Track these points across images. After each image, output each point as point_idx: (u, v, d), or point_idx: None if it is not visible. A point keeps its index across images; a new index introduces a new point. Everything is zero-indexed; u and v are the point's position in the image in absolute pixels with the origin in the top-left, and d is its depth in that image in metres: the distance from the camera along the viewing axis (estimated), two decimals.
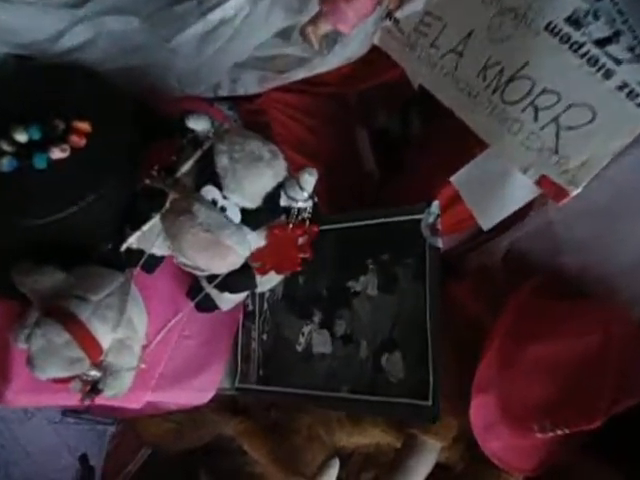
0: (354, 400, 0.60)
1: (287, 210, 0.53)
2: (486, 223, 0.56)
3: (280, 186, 0.51)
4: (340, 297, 0.64)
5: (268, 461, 0.78)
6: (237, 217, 0.51)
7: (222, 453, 0.92)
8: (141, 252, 0.63)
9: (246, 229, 0.52)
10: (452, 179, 0.55)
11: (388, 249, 0.61)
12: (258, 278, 0.61)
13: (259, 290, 0.65)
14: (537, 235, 0.69)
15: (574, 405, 0.57)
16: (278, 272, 0.59)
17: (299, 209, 0.52)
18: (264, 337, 0.70)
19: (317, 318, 0.66)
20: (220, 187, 0.49)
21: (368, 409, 0.59)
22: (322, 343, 0.64)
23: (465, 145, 0.55)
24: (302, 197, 0.51)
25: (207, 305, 0.67)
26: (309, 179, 0.50)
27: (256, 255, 0.55)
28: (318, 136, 0.75)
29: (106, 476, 1.07)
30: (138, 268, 0.64)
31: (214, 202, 0.50)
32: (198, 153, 0.51)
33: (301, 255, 0.57)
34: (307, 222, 0.53)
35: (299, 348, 0.66)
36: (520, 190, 0.50)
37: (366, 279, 0.63)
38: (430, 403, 0.54)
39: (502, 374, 0.64)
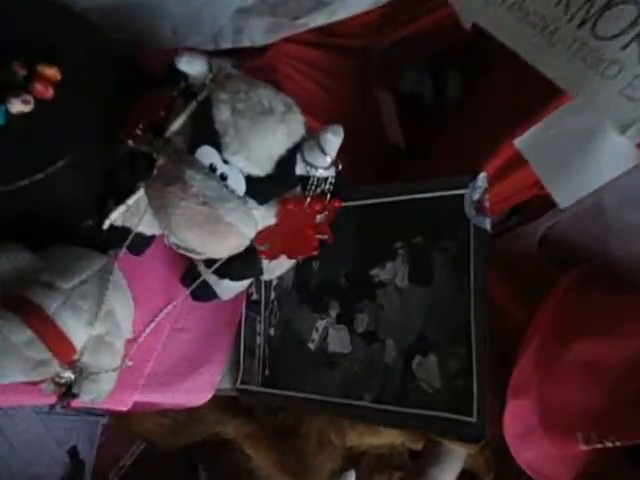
0: (378, 411, 0.50)
1: (304, 180, 0.42)
2: (564, 199, 0.45)
3: (296, 148, 0.40)
4: (362, 287, 0.54)
5: (275, 471, 0.69)
6: (241, 187, 0.40)
7: (222, 448, 0.84)
8: (127, 230, 0.53)
9: (252, 202, 0.41)
10: (516, 142, 0.44)
11: (422, 231, 0.51)
12: (265, 263, 0.51)
13: (266, 277, 0.55)
14: (583, 218, 0.60)
15: (625, 414, 0.50)
16: (290, 257, 0.49)
17: (319, 179, 0.41)
18: (271, 332, 0.60)
19: (334, 311, 0.56)
20: (219, 148, 0.39)
21: (396, 421, 0.50)
22: (340, 341, 0.54)
23: (528, 104, 0.44)
24: (323, 163, 0.40)
25: (204, 293, 0.57)
26: (333, 140, 0.39)
27: (264, 235, 0.44)
28: (335, 98, 0.63)
29: (98, 470, 1.00)
30: (123, 249, 0.54)
31: (212, 168, 0.40)
32: (192, 106, 0.40)
33: (319, 236, 0.46)
34: (328, 196, 0.43)
35: (312, 346, 0.56)
36: (613, 156, 0.39)
37: (394, 266, 0.52)
38: (474, 419, 0.45)
39: (541, 376, 0.57)
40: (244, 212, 0.40)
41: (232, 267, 0.50)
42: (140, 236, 0.54)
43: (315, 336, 0.56)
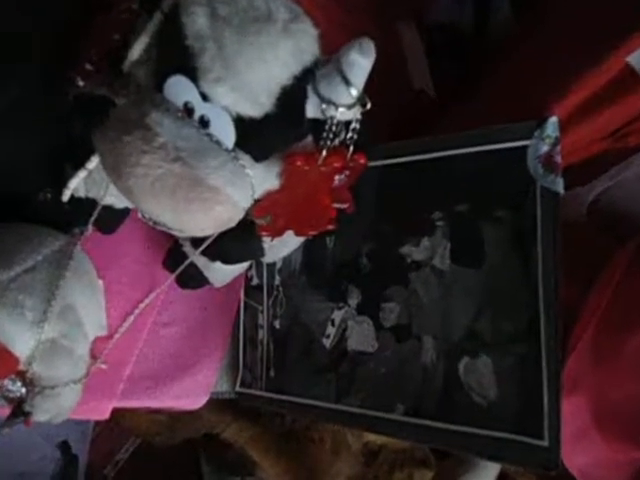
0: (414, 426, 0.39)
1: (317, 125, 0.30)
2: None
3: (306, 76, 0.27)
4: (390, 269, 0.43)
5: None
6: (229, 135, 0.28)
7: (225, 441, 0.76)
8: (92, 202, 0.42)
9: (246, 158, 0.30)
10: (630, 59, 0.32)
11: (468, 196, 0.39)
12: (267, 242, 0.40)
13: (268, 259, 0.44)
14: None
15: None
16: (299, 233, 0.37)
17: (338, 123, 0.29)
18: (276, 324, 0.49)
19: (354, 300, 0.44)
20: (195, 76, 0.26)
21: (437, 440, 0.39)
22: (362, 337, 0.43)
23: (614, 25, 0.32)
24: (346, 98, 0.27)
25: (193, 279, 0.46)
26: (361, 63, 0.27)
27: (264, 204, 0.33)
28: (349, 35, 0.51)
29: (92, 466, 0.93)
30: (89, 227, 0.43)
31: (188, 108, 0.28)
32: (155, 19, 0.28)
33: (336, 205, 0.35)
34: (350, 149, 0.31)
35: (327, 343, 0.45)
36: None
37: (431, 243, 0.41)
38: (546, 442, 0.34)
39: (597, 370, 0.49)
40: (234, 172, 0.28)
41: (224, 247, 0.39)
42: (110, 210, 0.43)
43: (331, 331, 0.45)
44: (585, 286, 0.51)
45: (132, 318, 0.48)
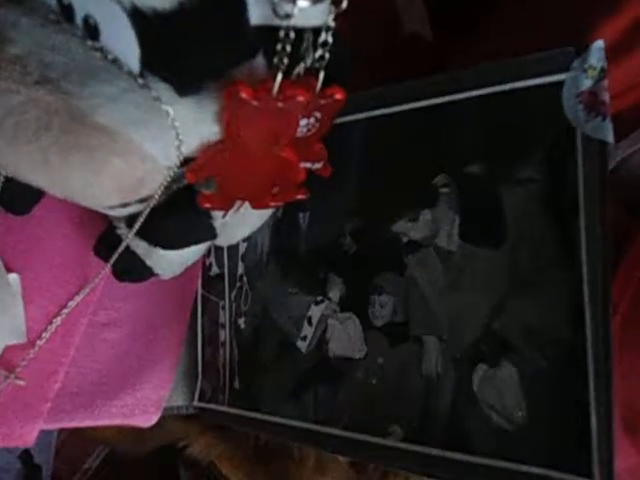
0: (415, 455, 0.30)
1: (268, 36, 0.20)
2: None
3: None
4: (381, 252, 0.33)
5: None
6: (130, 48, 0.18)
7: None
8: None
9: (162, 88, 0.20)
10: None
11: (483, 153, 0.30)
12: (217, 218, 0.30)
13: (222, 242, 0.34)
14: None
15: None
16: (256, 205, 0.27)
17: (299, 34, 0.19)
18: (241, 323, 0.40)
19: (336, 293, 0.35)
20: None
21: (446, 473, 0.30)
22: (347, 340, 0.34)
23: None
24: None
25: (133, 270, 0.37)
26: None
27: (201, 162, 0.23)
28: None
29: (58, 476, 0.84)
30: None
31: (63, 5, 0.18)
32: None
33: (307, 165, 0.25)
34: (320, 76, 0.21)
35: (303, 347, 0.36)
36: None
37: (434, 216, 0.31)
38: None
39: (629, 360, 0.41)
40: (142, 107, 0.19)
41: (159, 227, 0.29)
42: (18, 184, 0.33)
43: (307, 331, 0.36)
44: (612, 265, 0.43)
45: (59, 320, 0.39)
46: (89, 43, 0.18)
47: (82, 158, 0.18)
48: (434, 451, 0.29)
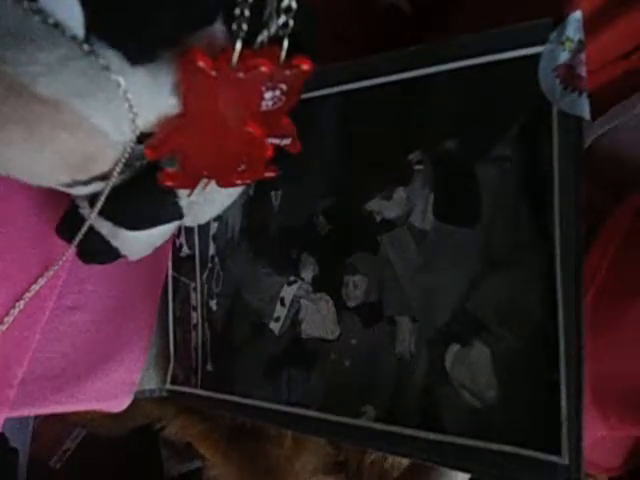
0: (388, 434, 0.30)
1: (229, 7, 0.18)
2: None
3: None
4: (354, 232, 0.32)
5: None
6: (72, 9, 0.17)
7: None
8: None
9: (111, 55, 0.18)
10: None
11: (458, 129, 0.29)
12: (183, 197, 0.28)
13: (189, 222, 0.33)
14: None
15: None
16: (223, 183, 0.26)
17: (264, 2, 0.18)
18: (212, 305, 0.39)
19: (309, 273, 0.34)
20: None
21: (419, 452, 0.29)
22: (320, 320, 0.33)
23: None
24: None
25: (98, 252, 0.35)
26: None
27: (160, 137, 0.22)
28: None
29: (36, 458, 0.83)
30: None
31: None
32: None
33: (274, 140, 0.24)
34: (284, 45, 0.20)
35: (276, 328, 0.35)
36: None
37: (408, 194, 0.30)
38: (565, 460, 0.25)
39: (596, 342, 0.42)
40: (87, 75, 0.17)
41: (121, 206, 0.28)
42: None
43: (280, 312, 0.35)
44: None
45: (22, 304, 0.37)
46: (25, 4, 0.17)
47: (22, 133, 0.16)
48: (406, 430, 0.29)
